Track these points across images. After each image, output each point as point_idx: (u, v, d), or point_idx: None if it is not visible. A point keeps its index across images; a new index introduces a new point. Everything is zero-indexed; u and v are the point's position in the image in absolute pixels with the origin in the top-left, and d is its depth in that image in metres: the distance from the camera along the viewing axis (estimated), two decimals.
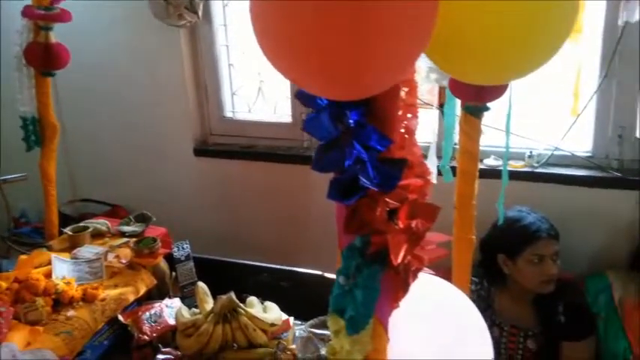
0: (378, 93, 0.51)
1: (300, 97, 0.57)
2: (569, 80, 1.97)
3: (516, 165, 2.08)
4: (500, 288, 1.89)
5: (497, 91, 1.28)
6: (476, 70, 0.65)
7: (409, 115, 0.63)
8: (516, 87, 2.04)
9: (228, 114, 2.51)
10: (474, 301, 1.89)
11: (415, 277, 0.66)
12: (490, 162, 2.12)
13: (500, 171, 2.10)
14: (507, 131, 1.39)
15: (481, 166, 2.07)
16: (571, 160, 2.02)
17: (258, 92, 2.46)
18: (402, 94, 0.61)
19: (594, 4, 1.85)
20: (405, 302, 0.72)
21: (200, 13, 2.21)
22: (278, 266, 2.03)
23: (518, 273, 1.79)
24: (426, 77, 1.38)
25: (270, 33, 0.47)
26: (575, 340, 1.77)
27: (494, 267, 1.85)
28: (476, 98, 1.29)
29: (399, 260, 0.59)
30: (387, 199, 0.59)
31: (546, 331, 1.80)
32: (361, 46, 0.45)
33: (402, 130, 0.63)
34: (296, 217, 2.30)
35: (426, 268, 0.68)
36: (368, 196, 0.57)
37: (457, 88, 1.30)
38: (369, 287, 0.60)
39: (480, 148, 2.10)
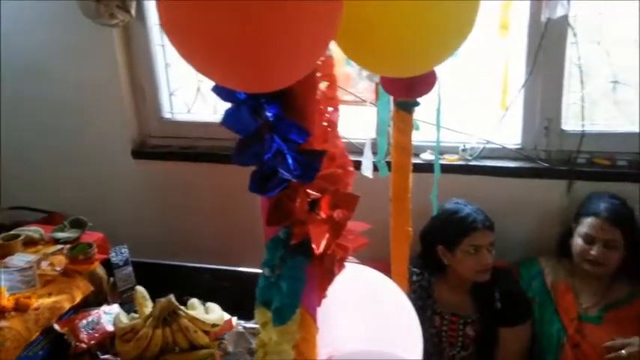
0: (288, 85, 0.52)
1: (217, 91, 0.57)
2: (498, 75, 2.04)
3: (451, 159, 2.14)
4: (440, 278, 1.95)
5: (427, 86, 1.32)
6: (384, 61, 0.66)
7: (330, 109, 0.65)
8: (448, 83, 2.13)
9: (167, 115, 2.47)
10: (415, 291, 1.96)
11: (341, 266, 0.68)
12: (426, 156, 2.18)
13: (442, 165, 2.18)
14: (438, 126, 1.44)
15: (418, 161, 2.16)
16: (502, 153, 2.10)
17: (196, 92, 2.43)
18: (322, 87, 0.62)
19: (520, 2, 1.93)
20: (336, 291, 0.74)
21: (133, 11, 2.16)
22: (219, 267, 2.01)
23: (456, 263, 1.85)
24: (358, 74, 1.41)
25: (175, 24, 0.47)
26: (511, 325, 1.84)
27: (434, 258, 1.91)
28: (406, 94, 1.32)
29: (322, 250, 0.60)
30: (308, 190, 0.60)
31: (484, 317, 1.87)
32: (264, 37, 0.46)
33: (325, 124, 0.64)
34: (238, 217, 2.29)
35: (350, 257, 0.70)
36: (289, 188, 0.58)
37: (388, 84, 1.32)
38: (294, 278, 0.61)
39: (416, 142, 2.17)
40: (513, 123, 2.08)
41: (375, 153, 1.51)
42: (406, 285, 1.52)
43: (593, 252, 1.75)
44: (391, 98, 1.41)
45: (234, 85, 0.53)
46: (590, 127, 1.99)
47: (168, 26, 0.49)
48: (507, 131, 2.10)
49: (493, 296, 1.85)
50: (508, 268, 1.98)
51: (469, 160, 2.12)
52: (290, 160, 0.56)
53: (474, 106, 2.19)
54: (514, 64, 2.01)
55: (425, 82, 1.32)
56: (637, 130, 1.96)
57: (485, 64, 2.08)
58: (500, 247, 1.92)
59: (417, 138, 2.18)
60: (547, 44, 1.92)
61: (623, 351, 1.64)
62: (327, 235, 0.62)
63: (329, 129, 0.66)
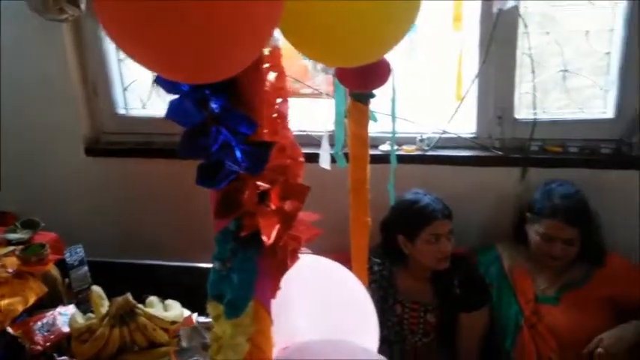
0: (230, 76, 0.52)
1: (160, 83, 0.56)
2: (453, 67, 2.08)
3: (409, 149, 2.17)
4: (401, 267, 1.97)
5: (381, 78, 1.33)
6: (326, 51, 0.67)
7: (279, 100, 0.64)
8: (405, 75, 2.15)
9: (121, 111, 2.41)
10: (376, 281, 1.98)
11: (294, 257, 0.68)
12: (385, 147, 2.19)
13: (395, 156, 2.20)
14: (393, 117, 1.45)
15: (377, 152, 2.17)
16: (458, 142, 2.13)
17: (151, 87, 2.38)
18: (271, 78, 0.61)
19: None
20: (292, 282, 0.74)
21: (83, 6, 2.09)
22: (178, 263, 1.99)
23: (417, 252, 1.88)
24: (313, 67, 1.41)
25: (111, 15, 0.46)
26: (470, 310, 1.88)
27: (395, 248, 1.93)
28: (361, 86, 1.33)
29: (272, 241, 0.60)
30: (257, 182, 0.60)
31: (444, 304, 1.91)
32: (202, 27, 0.45)
33: (275, 115, 0.64)
34: (197, 212, 2.25)
35: (304, 248, 0.70)
36: (238, 180, 0.58)
37: (343, 76, 1.33)
38: (245, 270, 0.61)
39: (375, 134, 2.19)
40: (468, 113, 2.12)
41: (332, 145, 1.51)
42: (366, 275, 1.53)
43: (553, 251, 1.80)
44: (347, 90, 1.41)
45: (175, 77, 0.52)
46: (543, 116, 2.05)
47: (105, 18, 0.47)
48: (463, 121, 2.14)
49: (452, 283, 1.89)
50: (466, 255, 2.01)
51: (426, 151, 2.15)
52: (238, 152, 0.56)
53: (430, 97, 2.22)
54: (468, 56, 2.05)
55: (379, 74, 1.33)
56: (587, 117, 2.03)
57: (441, 56, 2.11)
58: (458, 234, 1.96)
59: (375, 129, 2.21)
60: (499, 35, 1.96)
61: (599, 349, 1.69)
62: (277, 226, 0.61)
63: (279, 120, 0.65)
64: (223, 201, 0.59)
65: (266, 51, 0.64)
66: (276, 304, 0.68)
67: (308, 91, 2.15)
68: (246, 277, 0.61)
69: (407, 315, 1.94)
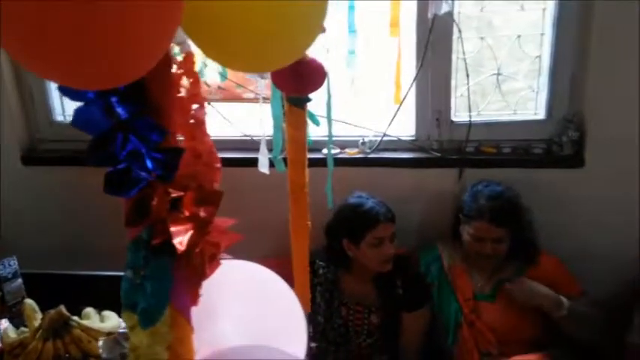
0: (130, 81, 0.51)
1: (64, 91, 0.55)
2: (392, 71, 2.12)
3: (351, 152, 2.20)
4: (345, 270, 1.99)
5: (316, 82, 1.34)
6: (231, 56, 0.67)
7: (195, 106, 0.65)
8: (345, 79, 2.18)
9: (58, 117, 2.35)
10: (321, 284, 1.99)
11: (215, 263, 0.68)
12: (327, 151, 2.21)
13: (338, 159, 2.23)
14: (329, 120, 1.47)
15: (320, 155, 2.19)
16: (398, 145, 2.18)
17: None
18: (185, 84, 0.62)
19: (408, 0, 2.01)
20: (220, 288, 0.74)
21: None
22: (116, 273, 1.94)
23: (361, 256, 1.90)
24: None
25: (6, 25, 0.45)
26: (412, 309, 1.92)
27: (339, 251, 1.95)
28: (296, 90, 1.34)
29: (185, 248, 0.60)
30: (169, 189, 0.60)
31: (387, 305, 1.94)
32: (96, 32, 0.45)
33: (192, 121, 0.64)
34: None
35: (223, 254, 0.70)
36: (148, 187, 0.57)
37: (278, 80, 1.34)
38: (158, 278, 0.60)
39: (318, 137, 2.21)
40: (407, 116, 2.17)
41: (271, 149, 1.51)
42: (307, 278, 1.54)
43: (483, 250, 1.85)
44: (283, 94, 1.42)
45: (74, 84, 0.51)
46: (478, 118, 2.11)
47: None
48: (403, 124, 2.18)
49: (395, 284, 1.93)
50: (408, 255, 2.05)
51: (368, 153, 2.18)
52: (148, 160, 0.55)
53: (371, 101, 2.26)
54: (406, 60, 2.09)
55: (314, 78, 1.34)
56: (520, 119, 2.11)
57: (380, 61, 2.15)
58: (400, 234, 2.00)
59: (318, 133, 2.24)
60: (435, 40, 2.01)
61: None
62: (190, 233, 0.61)
63: (196, 126, 0.65)
64: (133, 209, 0.58)
65: (178, 56, 0.64)
66: (198, 312, 0.68)
67: (251, 95, 2.15)
68: (159, 285, 0.60)
69: (352, 317, 1.96)
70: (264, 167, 1.50)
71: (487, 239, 1.83)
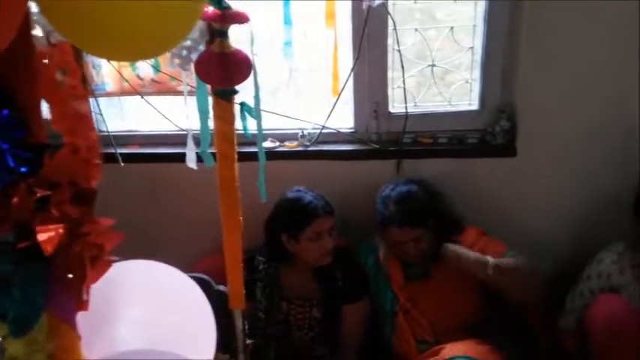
0: None
1: None
2: (329, 63, 2.11)
3: (291, 145, 2.18)
4: (285, 265, 1.97)
5: (241, 74, 1.32)
6: (93, 44, 0.64)
7: (75, 99, 0.61)
8: (283, 71, 2.16)
9: None
10: (262, 279, 1.97)
11: (100, 265, 0.65)
12: (267, 144, 2.19)
13: (277, 152, 2.22)
14: (257, 113, 1.44)
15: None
16: (337, 137, 2.17)
17: None
18: (61, 77, 0.58)
19: None
20: (118, 291, 0.71)
21: None
22: None
23: (300, 250, 1.88)
24: (170, 63, 1.38)
25: None
26: (352, 301, 1.93)
27: (279, 246, 1.92)
28: (220, 82, 1.31)
29: (52, 249, 0.57)
30: (35, 188, 0.56)
31: (328, 297, 1.93)
32: None
33: (73, 115, 0.60)
34: None
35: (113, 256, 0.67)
36: (11, 186, 0.54)
37: (202, 72, 1.31)
38: (29, 284, 0.57)
39: (255, 131, 2.16)
40: (346, 108, 2.17)
41: (199, 144, 1.48)
42: (241, 275, 1.51)
43: (407, 251, 1.86)
44: (209, 87, 1.39)
45: None
46: (415, 109, 2.13)
47: None
48: (342, 116, 2.18)
49: (335, 276, 1.92)
50: (348, 247, 2.05)
51: (308, 146, 2.17)
52: (9, 157, 0.52)
53: (309, 93, 2.25)
54: (343, 52, 2.08)
55: (238, 69, 1.32)
56: (454, 109, 2.13)
57: (317, 53, 2.14)
58: (341, 226, 1.99)
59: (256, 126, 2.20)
60: (370, 32, 2.01)
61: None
62: (60, 234, 0.58)
63: (78, 120, 0.62)
64: None
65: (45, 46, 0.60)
66: (93, 317, 0.64)
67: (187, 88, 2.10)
68: (31, 291, 0.57)
69: (293, 311, 1.95)
70: (191, 162, 1.46)
71: (407, 241, 1.85)
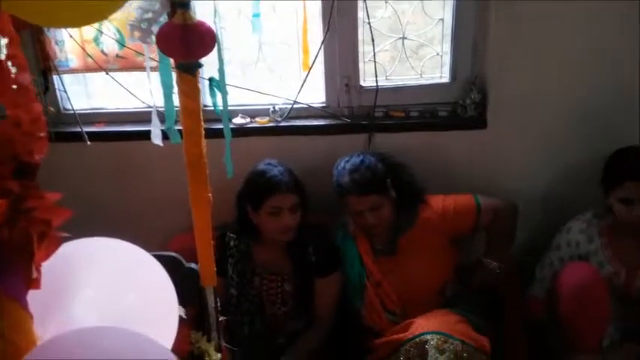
0: None
1: None
2: (299, 37, 2.07)
3: (262, 121, 2.15)
4: (256, 240, 1.96)
5: (203, 47, 1.28)
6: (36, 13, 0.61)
7: (14, 69, 0.58)
8: (252, 47, 2.12)
9: None
10: (233, 255, 1.97)
11: (50, 242, 0.63)
12: (238, 120, 2.16)
13: (249, 128, 2.19)
14: (222, 88, 1.41)
15: (230, 125, 2.13)
16: (309, 112, 2.15)
17: None
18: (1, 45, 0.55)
19: None
20: (75, 269, 0.69)
21: None
22: None
23: (261, 224, 1.88)
24: (130, 36, 1.34)
25: None
26: (325, 275, 1.93)
27: (248, 220, 1.92)
28: (183, 55, 1.28)
29: None
30: None
31: (300, 272, 1.93)
32: None
33: (14, 87, 0.57)
34: None
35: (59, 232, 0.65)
36: None
37: (164, 45, 1.27)
38: None
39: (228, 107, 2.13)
40: (317, 82, 2.14)
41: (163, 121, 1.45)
42: (211, 252, 1.50)
43: (367, 222, 1.86)
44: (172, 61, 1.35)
45: None
46: (386, 83, 2.11)
47: None
48: (313, 90, 2.15)
49: (307, 250, 1.92)
50: (322, 222, 2.05)
51: (279, 122, 2.14)
52: None
53: (280, 68, 2.22)
54: (312, 25, 2.05)
55: (201, 42, 1.28)
56: (426, 82, 2.12)
57: (287, 26, 2.10)
58: (316, 201, 1.99)
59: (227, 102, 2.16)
60: (340, 4, 1.98)
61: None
62: (2, 209, 0.56)
63: (18, 92, 0.59)
64: None
65: None
66: (47, 295, 0.63)
67: (153, 64, 2.05)
68: None
69: (265, 286, 1.95)
70: (157, 139, 1.43)
71: (364, 211, 1.85)
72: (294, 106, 2.12)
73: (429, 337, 1.65)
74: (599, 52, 1.94)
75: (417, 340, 1.66)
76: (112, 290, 0.89)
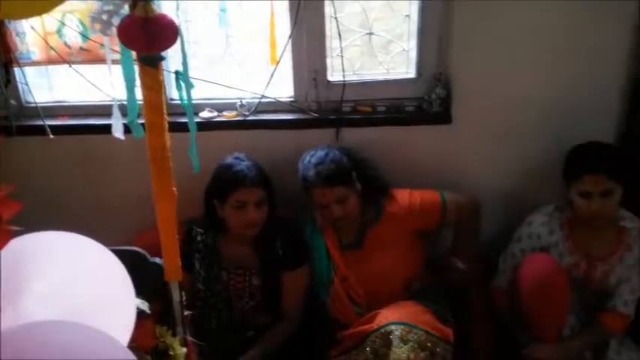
0: None
1: None
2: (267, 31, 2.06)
3: (229, 115, 2.15)
4: (223, 234, 1.96)
5: (166, 40, 1.27)
6: None
7: None
8: (220, 40, 2.11)
9: None
10: (200, 250, 1.96)
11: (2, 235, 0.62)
12: (205, 114, 2.15)
13: (216, 122, 2.18)
14: (186, 81, 1.40)
15: (197, 119, 2.12)
16: (277, 106, 2.15)
17: None
18: None
19: None
20: (26, 263, 0.68)
21: None
22: None
23: (226, 217, 1.88)
24: (91, 27, 1.32)
25: None
26: (293, 269, 1.94)
27: (215, 214, 1.91)
28: (146, 48, 1.27)
29: None
30: None
31: (267, 266, 1.94)
32: None
33: None
34: None
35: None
36: None
37: (125, 37, 1.25)
38: None
39: (194, 101, 2.12)
40: (285, 77, 2.14)
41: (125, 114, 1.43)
42: (177, 246, 1.49)
43: (333, 214, 1.87)
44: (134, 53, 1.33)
45: None
46: (354, 78, 2.13)
47: None
48: (281, 85, 2.15)
49: (275, 245, 1.93)
50: (291, 216, 2.05)
51: (247, 116, 2.14)
52: None
53: (248, 62, 2.21)
54: (280, 19, 2.05)
55: (164, 35, 1.27)
56: (392, 78, 2.14)
57: (255, 20, 2.10)
58: (284, 196, 2.00)
59: (194, 96, 2.15)
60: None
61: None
62: None
63: None
64: None
65: None
66: None
67: (117, 56, 2.02)
68: None
69: (232, 281, 1.95)
70: (118, 132, 1.42)
71: (330, 203, 1.86)
72: (262, 100, 2.12)
73: (393, 327, 1.67)
74: (562, 50, 1.98)
75: (382, 330, 1.69)
76: (65, 284, 0.88)
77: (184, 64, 1.38)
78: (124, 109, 1.45)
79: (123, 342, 0.88)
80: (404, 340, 1.63)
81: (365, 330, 1.74)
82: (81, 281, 0.92)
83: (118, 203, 2.24)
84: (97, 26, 1.25)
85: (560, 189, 1.91)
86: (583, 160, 1.83)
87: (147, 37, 1.25)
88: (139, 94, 1.35)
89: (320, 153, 1.90)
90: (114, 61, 1.95)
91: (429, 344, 1.65)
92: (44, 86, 2.23)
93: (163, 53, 1.36)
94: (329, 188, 1.84)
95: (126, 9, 1.27)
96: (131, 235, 2.09)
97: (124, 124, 1.50)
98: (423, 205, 1.95)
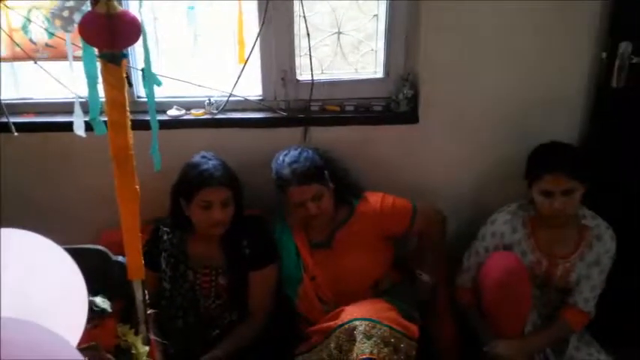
0: None
1: None
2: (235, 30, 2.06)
3: (197, 113, 2.14)
4: (189, 233, 1.95)
5: (128, 37, 1.27)
6: None
7: None
8: (188, 38, 2.10)
9: None
10: (166, 249, 1.95)
11: None
12: (173, 112, 2.14)
13: (183, 120, 2.17)
14: (148, 77, 1.39)
15: (164, 117, 2.12)
16: (245, 105, 2.15)
17: None
18: None
19: None
20: None
21: None
22: None
23: (192, 216, 1.88)
24: (51, 25, 1.30)
25: None
26: (260, 268, 1.94)
27: (181, 212, 1.91)
28: (107, 44, 1.26)
29: None
30: None
31: (234, 265, 1.93)
32: None
33: None
34: None
35: None
36: None
37: (87, 34, 1.24)
38: None
39: (161, 99, 2.12)
40: (254, 75, 2.14)
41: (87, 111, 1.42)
42: (139, 246, 1.48)
43: (308, 211, 1.88)
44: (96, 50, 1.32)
45: None
46: (322, 77, 2.14)
47: None
48: (249, 83, 2.15)
49: (241, 244, 1.93)
50: (259, 216, 2.05)
51: (215, 114, 2.14)
52: None
53: (216, 60, 2.20)
54: (248, 17, 2.05)
55: (126, 32, 1.27)
56: (361, 77, 2.16)
57: (223, 18, 2.10)
58: (252, 195, 2.01)
59: (162, 94, 2.15)
60: None
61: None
62: None
63: None
64: None
65: None
66: None
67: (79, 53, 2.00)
68: None
69: (199, 280, 1.94)
70: (79, 130, 1.41)
71: (306, 201, 1.88)
72: (231, 98, 2.12)
73: (357, 323, 1.69)
74: (527, 51, 2.02)
75: (347, 326, 1.70)
76: (14, 282, 0.87)
77: (147, 60, 1.37)
78: (86, 107, 1.45)
79: (72, 341, 0.87)
80: (367, 336, 1.65)
81: (330, 326, 1.76)
82: (31, 279, 0.91)
83: (83, 201, 2.22)
84: (58, 22, 1.24)
85: (525, 188, 1.94)
86: (544, 160, 1.87)
87: (109, 34, 1.24)
88: (101, 91, 1.34)
89: (293, 152, 1.92)
90: (76, 58, 1.94)
91: (392, 340, 1.67)
92: (10, 83, 2.19)
93: (130, 50, 1.35)
94: (306, 186, 1.86)
95: (87, 5, 1.27)
96: (97, 233, 2.07)
97: (86, 122, 1.49)
98: (394, 208, 1.98)
